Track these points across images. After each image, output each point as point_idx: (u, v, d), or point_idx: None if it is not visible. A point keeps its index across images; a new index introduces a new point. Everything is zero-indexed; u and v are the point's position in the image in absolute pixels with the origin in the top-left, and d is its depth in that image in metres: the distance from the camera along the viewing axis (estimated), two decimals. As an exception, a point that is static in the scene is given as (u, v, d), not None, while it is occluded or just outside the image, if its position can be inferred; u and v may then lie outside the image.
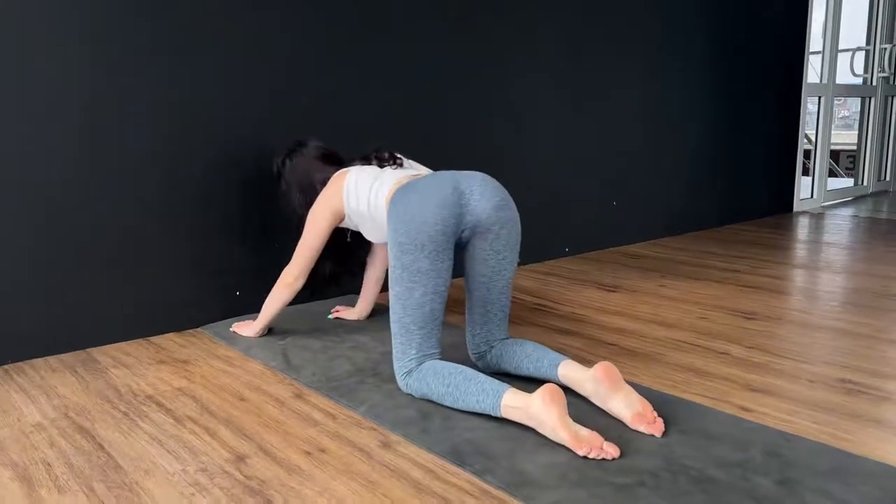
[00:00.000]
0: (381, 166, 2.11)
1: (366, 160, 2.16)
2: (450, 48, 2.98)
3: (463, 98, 3.06)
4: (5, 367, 2.07)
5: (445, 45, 2.97)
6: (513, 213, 1.85)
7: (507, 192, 1.87)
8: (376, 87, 2.77)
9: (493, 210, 1.80)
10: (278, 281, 2.19)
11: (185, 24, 2.29)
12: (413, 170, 2.12)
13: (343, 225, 2.17)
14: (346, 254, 2.35)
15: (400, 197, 1.82)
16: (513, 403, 1.56)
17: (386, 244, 2.34)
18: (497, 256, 1.84)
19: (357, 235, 2.30)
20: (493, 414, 1.60)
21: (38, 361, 2.11)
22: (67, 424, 1.69)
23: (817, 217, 4.85)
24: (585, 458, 1.46)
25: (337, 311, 2.52)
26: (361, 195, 2.03)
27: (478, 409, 1.63)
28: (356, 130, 2.70)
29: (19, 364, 2.09)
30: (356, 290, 2.55)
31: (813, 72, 5.10)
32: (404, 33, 2.83)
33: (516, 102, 3.26)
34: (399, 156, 2.17)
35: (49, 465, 1.50)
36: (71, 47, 2.09)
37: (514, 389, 1.60)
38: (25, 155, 2.05)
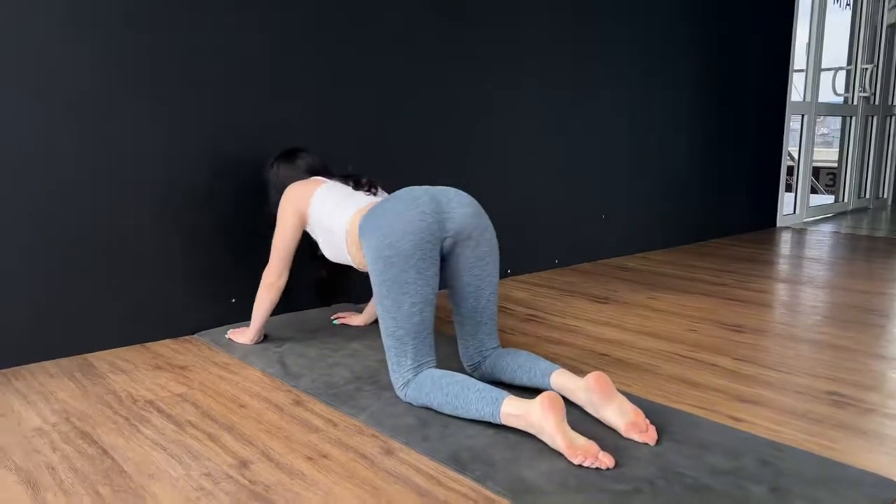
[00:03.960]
0: (356, 189, 2.17)
1: (344, 179, 2.22)
2: (439, 60, 3.03)
3: (453, 110, 3.11)
4: (3, 371, 2.07)
5: (436, 58, 3.02)
6: (489, 221, 1.91)
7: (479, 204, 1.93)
8: (363, 100, 2.81)
9: (473, 216, 1.85)
10: (261, 283, 2.23)
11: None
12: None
13: (308, 230, 2.21)
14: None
15: (377, 211, 1.85)
16: (512, 411, 1.60)
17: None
18: (481, 263, 1.88)
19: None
20: (492, 421, 1.64)
21: (36, 367, 2.12)
22: (69, 429, 1.70)
23: (800, 233, 4.94)
24: (581, 465, 1.49)
25: (342, 318, 2.55)
26: (327, 206, 2.09)
27: (477, 417, 1.66)
28: (339, 134, 2.74)
29: (16, 369, 2.09)
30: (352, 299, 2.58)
31: (795, 91, 5.22)
32: (388, 41, 2.88)
33: (506, 116, 3.31)
34: (377, 186, 2.22)
35: (53, 468, 1.51)
36: (72, 45, 2.11)
37: (513, 396, 1.63)
38: (23, 157, 2.07)
